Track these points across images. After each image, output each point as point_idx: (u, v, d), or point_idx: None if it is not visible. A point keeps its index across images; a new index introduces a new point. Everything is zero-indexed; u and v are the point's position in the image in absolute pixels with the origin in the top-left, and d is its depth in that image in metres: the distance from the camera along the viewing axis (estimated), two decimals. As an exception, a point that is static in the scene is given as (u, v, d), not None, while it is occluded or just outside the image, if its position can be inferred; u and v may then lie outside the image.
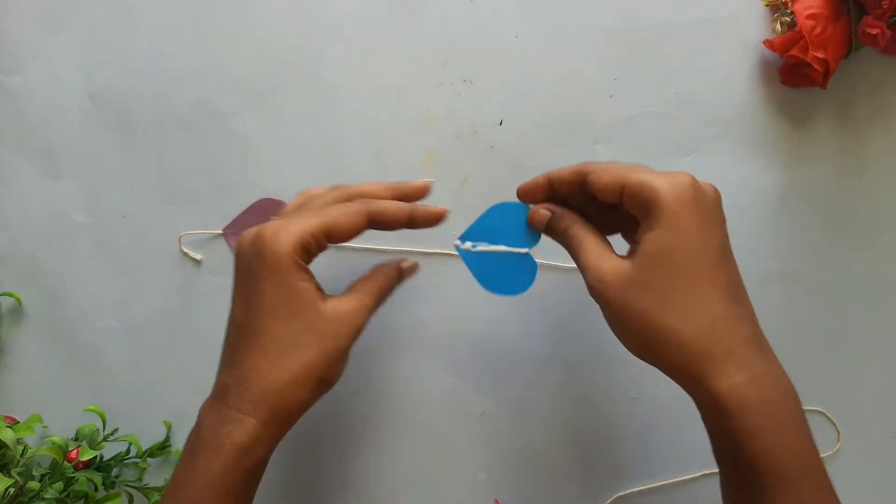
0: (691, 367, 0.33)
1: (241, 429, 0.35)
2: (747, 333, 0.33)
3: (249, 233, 0.37)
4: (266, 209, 0.50)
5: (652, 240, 0.33)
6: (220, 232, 0.50)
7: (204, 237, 0.50)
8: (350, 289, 0.39)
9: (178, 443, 0.51)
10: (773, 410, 0.32)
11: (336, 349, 0.37)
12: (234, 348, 0.37)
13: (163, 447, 0.49)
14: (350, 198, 0.40)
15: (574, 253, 0.37)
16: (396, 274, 0.41)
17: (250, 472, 0.36)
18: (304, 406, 0.37)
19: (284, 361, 0.36)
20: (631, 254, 0.35)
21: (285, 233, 0.36)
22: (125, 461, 0.49)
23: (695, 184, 0.34)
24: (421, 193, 0.42)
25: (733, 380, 0.32)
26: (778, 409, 0.32)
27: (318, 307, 0.36)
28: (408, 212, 0.40)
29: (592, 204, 0.39)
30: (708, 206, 0.34)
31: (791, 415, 0.32)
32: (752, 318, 0.34)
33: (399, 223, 0.40)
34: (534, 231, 0.41)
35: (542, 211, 0.39)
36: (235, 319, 0.37)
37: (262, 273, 0.36)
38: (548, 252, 0.44)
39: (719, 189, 0.49)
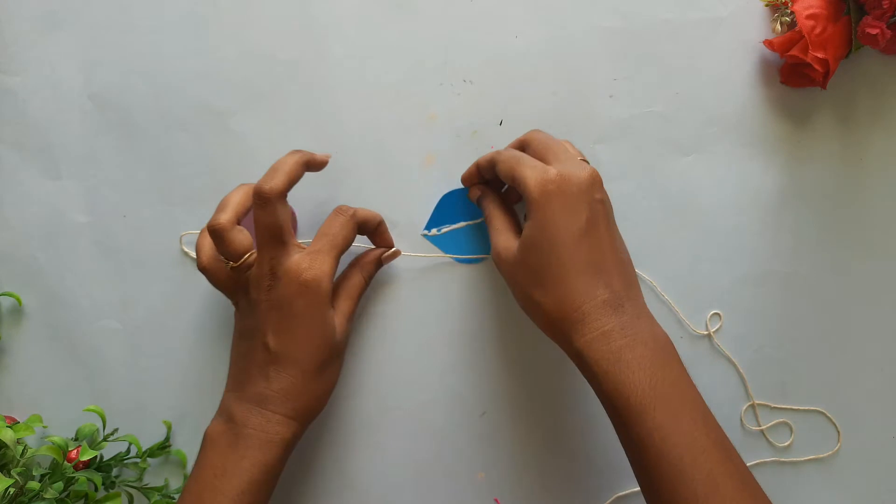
0: (556, 331, 0.41)
1: (289, 430, 0.43)
2: (602, 298, 0.39)
3: (292, 269, 0.42)
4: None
5: (527, 228, 0.41)
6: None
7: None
8: (337, 296, 0.46)
9: (178, 443, 0.51)
10: (619, 357, 0.38)
11: (342, 363, 0.47)
12: (266, 367, 0.43)
13: (163, 447, 0.49)
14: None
15: (488, 227, 0.46)
16: (376, 269, 0.49)
17: (285, 462, 0.44)
18: (321, 408, 0.46)
19: (320, 383, 0.44)
20: (520, 237, 0.42)
21: (324, 276, 0.43)
22: (125, 461, 0.49)
23: (559, 176, 0.40)
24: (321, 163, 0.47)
25: (586, 337, 0.39)
26: (624, 355, 0.38)
27: (337, 336, 0.44)
28: (379, 218, 0.48)
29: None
30: (572, 194, 0.40)
31: (639, 357, 0.38)
32: (612, 285, 0.40)
33: (368, 229, 0.48)
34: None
35: (475, 190, 0.48)
36: (269, 345, 0.42)
37: (306, 311, 0.43)
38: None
39: (719, 189, 0.50)
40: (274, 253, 0.43)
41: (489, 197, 0.47)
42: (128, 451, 0.49)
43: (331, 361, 0.44)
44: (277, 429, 0.42)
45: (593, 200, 0.41)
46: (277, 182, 0.42)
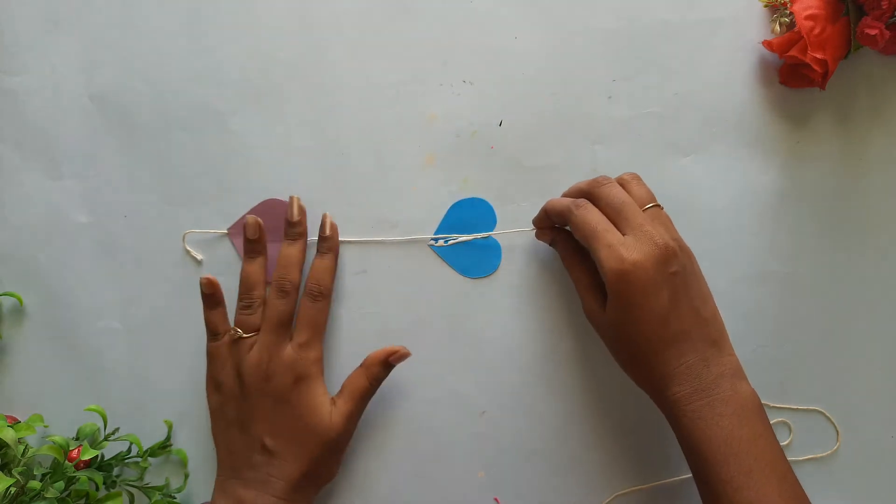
0: (646, 387, 0.44)
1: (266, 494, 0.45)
2: (687, 364, 0.41)
3: (286, 362, 0.45)
4: (271, 210, 0.50)
5: (610, 309, 0.42)
6: (225, 231, 0.50)
7: (209, 237, 0.51)
8: (341, 394, 0.47)
9: (179, 442, 0.51)
10: (699, 415, 0.40)
11: (342, 456, 0.49)
12: (266, 462, 0.45)
13: (164, 446, 0.49)
14: (288, 280, 0.47)
15: (571, 278, 0.47)
16: (383, 371, 0.48)
17: None
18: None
19: (319, 475, 0.47)
20: (604, 311, 0.43)
21: (315, 370, 0.46)
22: (126, 460, 0.49)
23: (633, 265, 0.41)
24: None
25: (670, 398, 0.41)
26: (703, 413, 0.40)
27: (334, 435, 0.46)
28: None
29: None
30: (649, 278, 0.41)
31: (717, 416, 0.40)
32: (697, 349, 0.41)
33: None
34: (491, 217, 0.49)
35: (545, 234, 0.48)
36: (267, 445, 0.45)
37: (301, 408, 0.45)
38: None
39: (718, 190, 0.50)
40: (278, 340, 0.46)
41: (567, 249, 0.47)
42: (129, 450, 0.49)
43: (329, 457, 0.46)
44: None
45: (668, 277, 0.41)
46: (297, 276, 0.47)
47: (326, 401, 0.46)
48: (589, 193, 0.45)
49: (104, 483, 0.47)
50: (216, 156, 0.50)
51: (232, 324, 0.48)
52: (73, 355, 0.51)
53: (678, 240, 0.43)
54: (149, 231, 0.51)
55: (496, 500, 0.50)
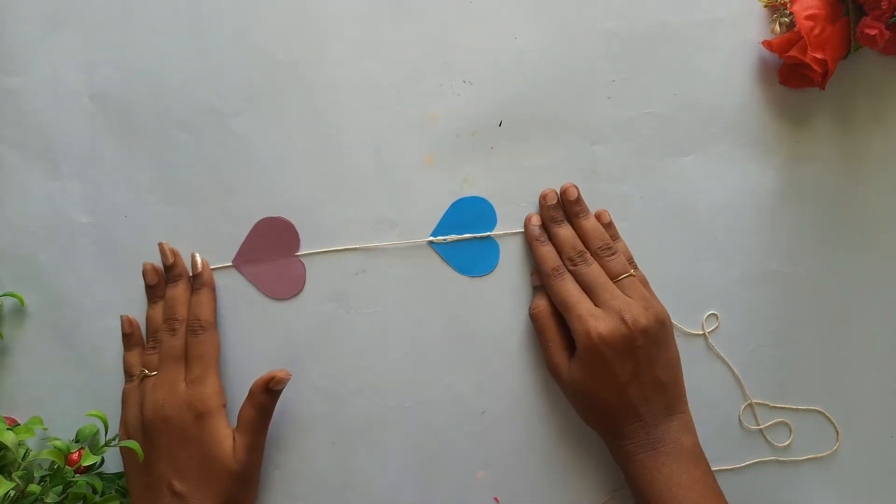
0: (599, 433, 0.48)
1: None
2: (638, 424, 0.45)
3: (183, 400, 0.46)
4: (270, 229, 0.50)
5: (576, 370, 0.46)
6: (231, 264, 0.50)
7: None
8: (238, 429, 0.47)
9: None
10: (643, 463, 0.45)
11: (255, 487, 0.48)
12: None
13: None
14: (175, 319, 0.48)
15: (540, 338, 0.49)
16: (268, 398, 0.47)
17: None
18: None
19: None
20: (570, 364, 0.46)
21: (213, 404, 0.46)
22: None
23: (601, 338, 0.44)
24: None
25: (620, 449, 0.46)
26: (646, 462, 0.45)
27: (237, 467, 0.46)
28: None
29: None
30: (616, 352, 0.44)
31: (660, 465, 0.44)
32: (651, 412, 0.45)
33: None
34: (491, 217, 0.50)
35: (536, 278, 0.50)
36: (175, 488, 0.45)
37: (203, 445, 0.45)
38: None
39: (718, 190, 0.50)
40: (173, 377, 0.47)
41: (545, 310, 0.48)
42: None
43: (241, 490, 0.46)
44: None
45: (634, 350, 0.44)
46: (184, 312, 0.48)
47: (229, 434, 0.46)
48: (555, 238, 0.49)
49: (104, 491, 0.47)
50: (216, 156, 0.50)
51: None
52: (74, 355, 0.51)
53: (651, 307, 0.45)
54: (149, 231, 0.50)
55: (496, 499, 0.50)
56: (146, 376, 0.48)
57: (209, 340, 0.47)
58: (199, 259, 0.49)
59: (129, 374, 0.49)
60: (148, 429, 0.46)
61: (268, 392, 0.47)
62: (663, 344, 0.46)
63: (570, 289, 0.46)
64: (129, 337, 0.49)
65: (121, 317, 0.49)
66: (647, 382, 0.45)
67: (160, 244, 0.49)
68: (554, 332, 0.48)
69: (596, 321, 0.44)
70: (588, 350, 0.44)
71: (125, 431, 0.48)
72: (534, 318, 0.48)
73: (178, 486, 0.45)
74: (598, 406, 0.45)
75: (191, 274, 0.49)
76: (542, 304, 0.48)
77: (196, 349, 0.47)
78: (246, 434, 0.46)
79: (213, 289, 0.49)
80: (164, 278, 0.50)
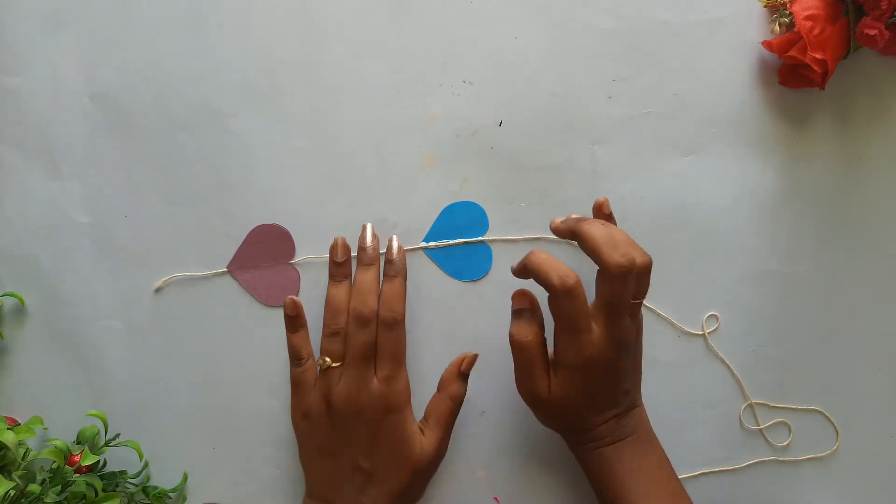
0: (563, 434, 0.47)
1: None
2: (608, 423, 0.44)
3: (375, 395, 0.45)
4: (263, 236, 0.50)
5: (555, 386, 0.44)
6: (226, 270, 0.50)
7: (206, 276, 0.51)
8: (427, 423, 0.47)
9: (178, 442, 0.51)
10: (603, 455, 0.45)
11: (430, 480, 0.48)
12: (360, 483, 0.45)
13: (175, 490, 0.50)
14: (365, 310, 0.45)
15: (517, 367, 0.45)
16: (461, 386, 0.47)
17: None
18: None
19: (409, 499, 0.47)
20: (550, 384, 0.44)
21: (404, 400, 0.45)
22: (128, 480, 0.49)
23: (587, 362, 0.42)
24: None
25: (585, 449, 0.45)
26: (606, 453, 0.44)
27: (425, 460, 0.46)
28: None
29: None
30: (606, 367, 0.43)
31: (619, 452, 0.44)
32: (617, 411, 0.44)
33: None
34: (483, 222, 0.50)
35: (523, 301, 0.45)
36: (361, 466, 0.45)
37: (393, 436, 0.45)
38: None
39: (718, 190, 0.50)
40: (364, 374, 0.45)
41: (536, 339, 0.44)
42: (137, 473, 0.49)
43: (419, 483, 0.46)
44: None
45: (623, 363, 0.44)
46: (375, 303, 0.45)
47: (417, 430, 0.46)
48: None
49: (104, 490, 0.47)
50: (216, 156, 0.50)
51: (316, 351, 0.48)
52: (74, 355, 0.51)
53: (636, 318, 0.44)
54: (149, 231, 0.51)
55: (496, 499, 0.50)
56: (329, 367, 0.45)
57: (401, 336, 0.45)
58: (395, 244, 0.47)
59: (296, 358, 0.47)
60: (338, 419, 0.45)
61: (460, 377, 0.47)
62: (640, 346, 0.46)
63: (578, 306, 0.42)
64: (294, 319, 0.47)
65: (286, 300, 0.47)
66: (632, 373, 0.45)
67: (364, 225, 0.48)
68: (540, 359, 0.44)
69: (595, 339, 0.42)
70: (587, 363, 0.42)
71: (304, 416, 0.46)
72: (521, 346, 0.44)
73: (363, 462, 0.44)
74: (569, 416, 0.44)
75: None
76: (531, 331, 0.44)
77: (388, 345, 0.45)
78: (438, 429, 0.46)
79: (405, 278, 0.47)
80: (351, 258, 0.48)
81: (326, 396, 0.45)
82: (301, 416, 0.47)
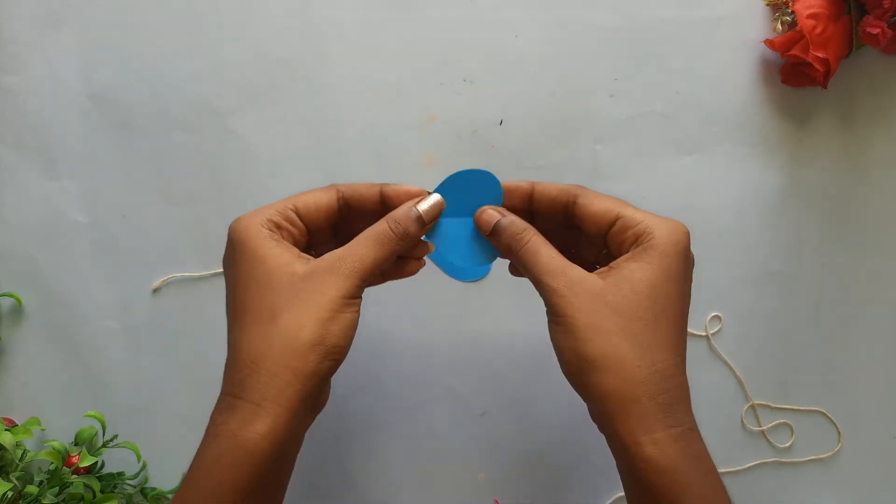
0: (628, 406, 0.32)
1: (236, 415, 0.32)
2: (682, 393, 0.33)
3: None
4: None
5: (634, 269, 0.33)
6: (221, 271, 0.50)
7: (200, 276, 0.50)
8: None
9: (178, 442, 0.50)
10: (700, 466, 0.32)
11: (319, 307, 0.33)
12: (228, 338, 0.35)
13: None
14: None
15: (528, 256, 0.35)
16: (408, 226, 0.36)
17: (252, 466, 0.32)
18: (305, 378, 0.32)
19: (263, 330, 0.33)
20: (606, 273, 0.34)
21: (250, 214, 0.35)
22: (127, 482, 0.49)
23: (688, 238, 0.35)
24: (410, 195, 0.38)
25: (666, 431, 0.32)
26: (704, 464, 0.33)
27: (295, 268, 0.34)
28: (377, 187, 0.37)
29: (549, 224, 0.38)
30: (691, 263, 0.35)
31: (712, 468, 0.33)
32: (685, 376, 0.34)
33: (370, 201, 0.37)
34: (495, 190, 0.39)
35: (491, 211, 0.37)
36: (226, 308, 0.35)
37: (234, 256, 0.35)
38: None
39: (720, 190, 0.50)
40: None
41: (526, 224, 0.36)
42: (135, 475, 0.49)
43: (281, 303, 0.33)
44: (223, 417, 0.33)
45: (689, 282, 0.36)
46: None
47: (267, 238, 0.35)
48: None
49: (101, 491, 0.47)
50: (216, 156, 0.50)
51: None
52: (72, 355, 0.50)
53: None
54: (148, 231, 0.50)
55: (496, 501, 0.50)
56: None
57: (320, 189, 0.37)
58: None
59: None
60: None
61: (418, 221, 0.36)
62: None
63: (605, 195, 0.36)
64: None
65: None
66: (685, 327, 0.35)
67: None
68: (545, 240, 0.36)
69: (670, 221, 0.35)
70: (672, 245, 0.34)
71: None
72: (508, 226, 0.36)
73: (227, 302, 0.35)
74: (649, 332, 0.32)
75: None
76: (509, 213, 0.37)
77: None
78: (370, 247, 0.35)
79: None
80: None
81: None
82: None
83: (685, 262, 0.34)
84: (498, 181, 0.39)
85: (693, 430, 0.32)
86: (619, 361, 0.32)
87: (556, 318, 0.34)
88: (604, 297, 0.33)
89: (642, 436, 0.31)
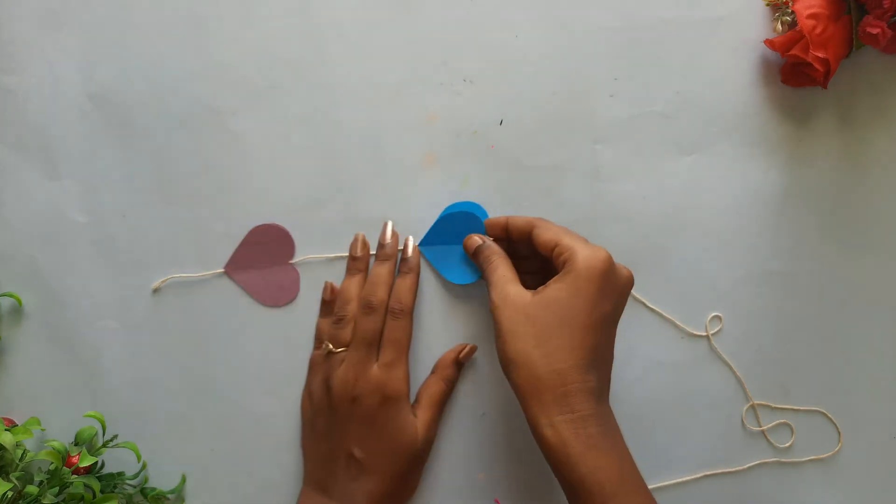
0: (533, 398, 0.40)
1: None
2: (590, 385, 0.40)
3: (372, 383, 0.46)
4: (263, 236, 0.50)
5: (553, 288, 0.41)
6: (223, 270, 0.50)
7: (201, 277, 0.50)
8: (419, 405, 0.48)
9: (178, 442, 0.50)
10: (594, 443, 0.39)
11: (423, 466, 0.49)
12: (353, 473, 0.46)
13: (172, 492, 0.49)
14: (374, 300, 0.47)
15: (489, 274, 0.45)
16: (455, 371, 0.49)
17: None
18: None
19: (403, 486, 0.48)
20: (535, 293, 0.42)
21: (402, 389, 0.46)
22: (127, 480, 0.49)
23: (608, 263, 0.41)
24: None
25: (563, 416, 0.39)
26: (598, 442, 0.39)
27: (418, 444, 0.47)
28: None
29: (521, 251, 0.48)
30: (611, 283, 0.41)
31: (610, 446, 0.39)
32: (600, 377, 0.41)
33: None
34: (479, 225, 0.49)
35: (476, 239, 0.47)
36: (354, 455, 0.46)
37: (388, 423, 0.46)
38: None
39: (720, 190, 0.50)
40: (365, 358, 0.46)
41: (494, 248, 0.46)
42: (135, 475, 0.49)
43: (414, 467, 0.47)
44: None
45: (620, 300, 0.42)
46: (384, 294, 0.47)
47: (412, 420, 0.47)
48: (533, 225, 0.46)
49: (101, 491, 0.47)
50: (216, 155, 0.50)
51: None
52: (72, 355, 0.50)
53: None
54: (148, 231, 0.50)
55: (496, 501, 0.50)
56: (331, 352, 0.47)
57: (406, 326, 0.47)
58: (411, 244, 0.49)
59: (318, 341, 0.49)
60: (335, 403, 0.46)
61: (456, 365, 0.49)
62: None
63: (558, 227, 0.45)
64: (328, 304, 0.49)
65: (325, 283, 0.50)
66: (610, 340, 0.42)
67: (385, 223, 0.49)
68: (506, 261, 0.45)
69: (596, 249, 0.41)
70: (589, 266, 0.40)
71: (309, 398, 0.49)
72: (483, 249, 0.46)
73: (357, 453, 0.46)
74: (562, 338, 0.40)
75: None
76: (486, 239, 0.47)
77: (393, 333, 0.47)
78: (429, 410, 0.47)
79: (418, 275, 0.49)
80: (368, 253, 0.50)
81: (326, 380, 0.47)
82: (307, 398, 0.49)
83: (597, 283, 0.40)
84: (480, 217, 0.49)
85: (589, 416, 0.39)
86: (528, 361, 0.40)
87: (494, 324, 0.43)
88: (526, 310, 0.41)
89: (542, 419, 0.39)
